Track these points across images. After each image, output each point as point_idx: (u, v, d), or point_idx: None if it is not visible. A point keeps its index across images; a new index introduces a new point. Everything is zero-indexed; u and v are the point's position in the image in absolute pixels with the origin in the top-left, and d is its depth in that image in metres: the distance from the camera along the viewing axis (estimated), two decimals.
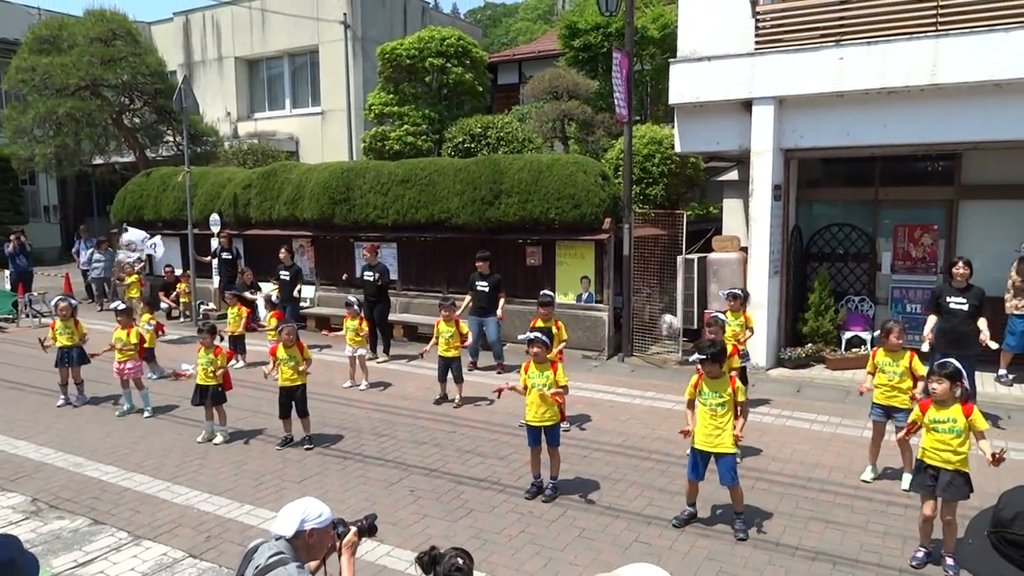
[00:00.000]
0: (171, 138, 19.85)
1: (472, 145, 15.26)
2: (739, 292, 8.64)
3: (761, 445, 7.51)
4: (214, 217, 14.99)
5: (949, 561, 4.93)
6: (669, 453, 7.32)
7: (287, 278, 12.72)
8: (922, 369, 6.28)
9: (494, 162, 12.60)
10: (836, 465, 6.90)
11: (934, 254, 10.88)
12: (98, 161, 20.84)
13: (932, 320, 8.21)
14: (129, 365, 8.95)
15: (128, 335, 8.98)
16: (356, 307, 10.22)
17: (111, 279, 16.71)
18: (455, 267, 13.24)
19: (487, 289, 10.95)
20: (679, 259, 11.42)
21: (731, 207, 12.96)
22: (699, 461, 5.68)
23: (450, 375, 9.27)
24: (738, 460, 5.93)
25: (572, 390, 8.17)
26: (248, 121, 23.53)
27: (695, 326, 11.53)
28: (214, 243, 15.10)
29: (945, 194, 10.88)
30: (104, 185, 25.39)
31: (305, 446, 7.59)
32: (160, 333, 11.22)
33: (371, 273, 11.79)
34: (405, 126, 16.89)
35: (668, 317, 11.96)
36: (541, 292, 9.13)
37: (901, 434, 5.51)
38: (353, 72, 21.02)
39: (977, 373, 8.60)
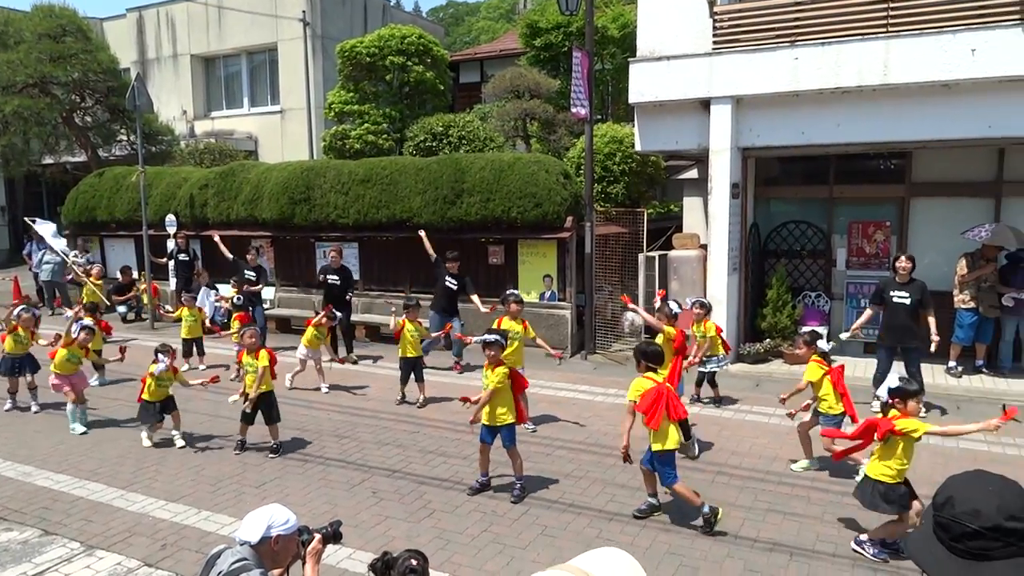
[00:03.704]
0: (124, 137, 19.41)
1: (434, 144, 15.21)
2: (707, 301, 8.84)
3: (720, 439, 7.62)
4: (170, 218, 14.70)
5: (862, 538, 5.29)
6: (632, 449, 7.36)
7: (252, 277, 12.49)
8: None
9: (456, 161, 12.57)
10: (793, 458, 7.02)
11: (887, 250, 11.15)
12: (48, 161, 20.28)
13: (867, 314, 8.57)
14: (55, 381, 8.39)
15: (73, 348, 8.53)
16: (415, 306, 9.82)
17: (62, 282, 16.25)
18: (417, 267, 13.17)
19: (455, 287, 10.91)
20: (640, 257, 11.53)
21: (691, 205, 13.12)
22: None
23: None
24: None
25: (535, 388, 8.26)
26: (205, 120, 23.12)
27: None
28: (170, 244, 14.80)
29: (897, 192, 11.14)
30: (55, 186, 24.68)
31: (269, 453, 7.44)
32: (107, 334, 10.85)
33: (335, 277, 11.69)
34: (366, 125, 16.76)
35: (630, 314, 12.07)
36: (509, 291, 9.09)
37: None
38: (313, 70, 20.78)
39: (928, 366, 8.86)
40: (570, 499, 6.26)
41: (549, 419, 8.43)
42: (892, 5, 9.60)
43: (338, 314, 10.70)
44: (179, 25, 23.00)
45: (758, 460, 7.10)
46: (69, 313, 9.16)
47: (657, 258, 11.56)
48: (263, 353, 7.48)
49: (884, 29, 9.60)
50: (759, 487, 6.46)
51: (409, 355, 9.17)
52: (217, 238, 13.53)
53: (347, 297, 11.79)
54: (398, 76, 17.12)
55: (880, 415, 5.30)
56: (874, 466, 5.21)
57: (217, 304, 12.56)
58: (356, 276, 13.72)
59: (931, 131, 9.60)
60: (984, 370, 9.98)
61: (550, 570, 1.72)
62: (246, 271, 12.30)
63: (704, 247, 11.23)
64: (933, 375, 9.26)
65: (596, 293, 11.72)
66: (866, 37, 9.64)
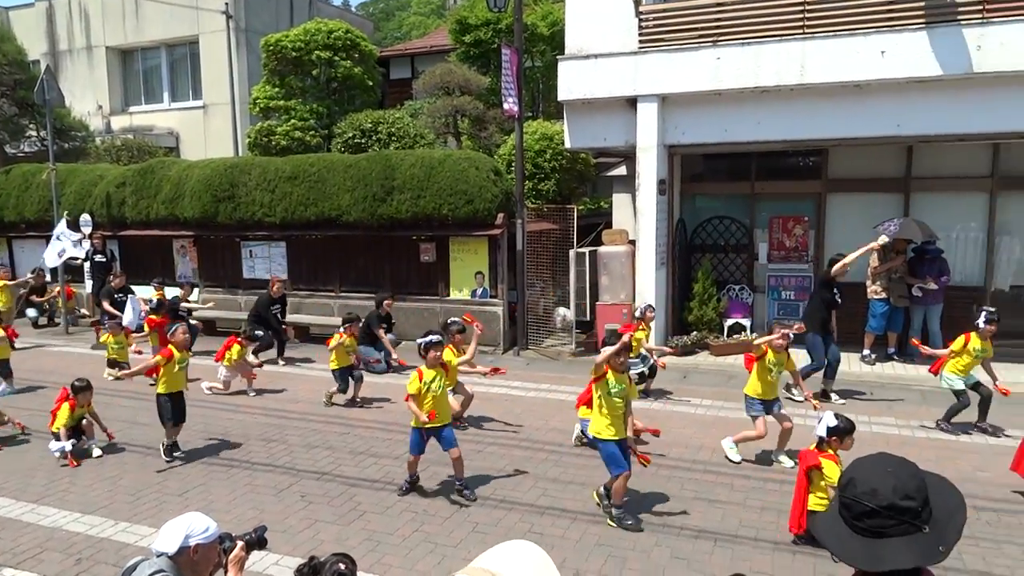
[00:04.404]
0: (34, 133, 18.48)
1: (363, 141, 14.99)
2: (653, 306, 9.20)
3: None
4: (85, 217, 14.04)
5: None
6: (562, 444, 7.46)
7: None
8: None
9: (386, 158, 12.42)
10: (718, 447, 7.20)
11: (805, 244, 11.57)
12: None
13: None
14: None
15: None
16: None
17: None
18: (348, 265, 12.99)
19: (385, 330, 10.84)
20: (571, 253, 11.64)
21: (620, 201, 13.33)
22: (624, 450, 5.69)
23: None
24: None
25: (467, 386, 8.22)
26: (122, 115, 22.17)
27: (588, 318, 11.80)
28: (85, 245, 14.15)
29: (814, 187, 11.58)
30: None
31: (176, 455, 7.20)
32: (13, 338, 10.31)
33: (277, 307, 11.52)
34: (292, 121, 16.39)
35: (561, 310, 12.20)
36: (451, 320, 8.37)
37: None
38: (237, 64, 20.16)
39: (844, 354, 9.25)
40: (502, 495, 6.27)
41: (482, 417, 8.42)
42: (808, 8, 9.97)
43: (259, 333, 10.59)
44: (93, 15, 21.96)
45: (685, 450, 7.27)
46: None
47: (587, 254, 11.70)
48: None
49: (801, 31, 9.95)
50: (686, 476, 6.62)
51: (344, 365, 8.98)
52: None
53: (283, 326, 11.77)
54: (325, 71, 16.80)
55: (815, 447, 5.38)
56: (812, 499, 5.23)
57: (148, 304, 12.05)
58: (284, 276, 13.46)
59: (845, 129, 10.01)
60: (895, 357, 10.48)
61: (459, 573, 1.71)
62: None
63: (633, 243, 11.43)
64: (849, 363, 9.66)
65: (528, 289, 11.79)
66: (784, 38, 9.99)
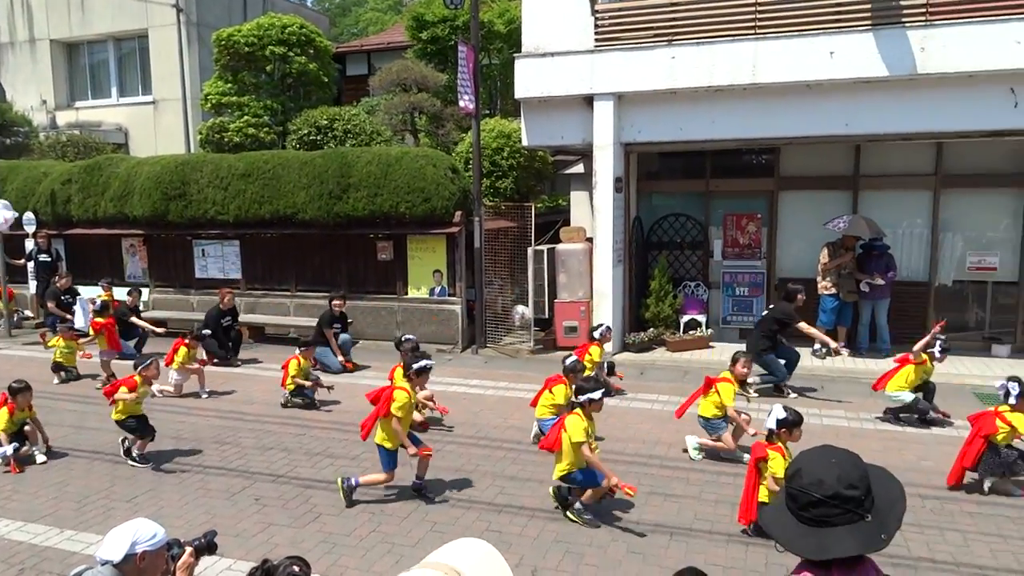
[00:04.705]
0: None
1: (318, 138, 14.80)
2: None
3: (607, 427, 7.80)
4: (28, 215, 13.57)
5: None
6: (520, 441, 7.47)
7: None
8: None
9: (342, 155, 12.28)
10: (674, 442, 7.31)
11: (758, 241, 11.78)
12: None
13: None
14: None
15: None
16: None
17: None
18: (303, 264, 12.82)
19: (339, 329, 10.84)
20: (529, 251, 11.66)
21: (578, 199, 13.39)
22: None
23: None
24: None
25: (426, 385, 8.16)
26: (68, 110, 21.50)
27: (546, 315, 11.84)
28: (29, 244, 13.71)
29: (767, 185, 11.79)
30: None
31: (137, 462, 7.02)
32: None
33: (228, 319, 11.27)
34: (245, 117, 16.09)
35: (520, 308, 12.22)
36: (404, 337, 8.51)
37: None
38: (188, 59, 19.70)
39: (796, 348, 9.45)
40: (460, 494, 6.26)
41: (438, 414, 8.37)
42: (760, 9, 10.14)
43: (206, 332, 10.45)
44: (36, 7, 21.24)
45: (642, 445, 7.35)
46: None
47: (546, 252, 11.73)
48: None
49: (753, 31, 10.12)
50: (642, 471, 6.68)
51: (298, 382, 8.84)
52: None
53: (236, 328, 11.51)
54: (279, 67, 16.53)
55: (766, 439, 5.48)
56: (763, 491, 5.31)
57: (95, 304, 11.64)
58: (238, 275, 13.24)
59: (796, 128, 10.22)
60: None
61: (413, 570, 1.71)
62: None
63: (590, 240, 11.50)
64: (801, 357, 9.83)
65: (486, 287, 11.78)
66: (737, 39, 10.15)
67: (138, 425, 7.04)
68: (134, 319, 11.61)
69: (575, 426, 5.55)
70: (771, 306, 9.57)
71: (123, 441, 7.12)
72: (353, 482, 6.09)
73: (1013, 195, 10.76)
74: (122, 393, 6.91)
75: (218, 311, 11.13)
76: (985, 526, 5.57)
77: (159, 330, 11.66)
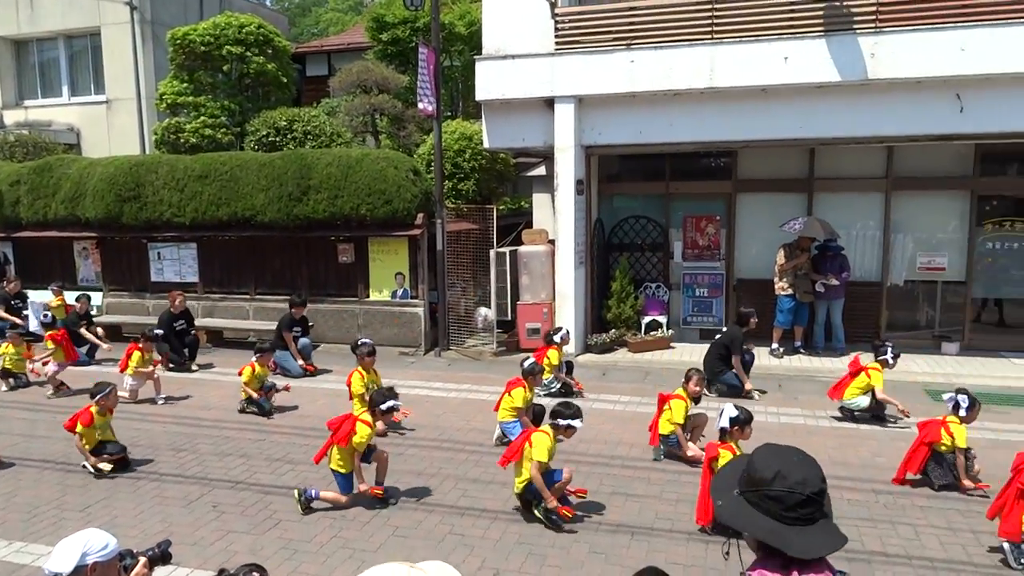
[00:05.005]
0: None
1: (277, 139, 14.61)
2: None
3: None
4: None
5: None
6: (483, 444, 7.47)
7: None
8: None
9: (301, 157, 12.15)
10: (636, 442, 7.38)
11: (717, 242, 11.96)
12: None
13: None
14: None
15: None
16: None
17: None
18: (263, 267, 12.64)
19: (299, 334, 10.72)
20: (492, 253, 11.67)
21: (540, 201, 13.45)
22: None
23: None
24: None
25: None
26: (17, 109, 20.86)
27: (509, 317, 11.86)
28: None
29: (725, 188, 11.98)
30: None
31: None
32: None
33: (181, 322, 11.04)
34: (202, 118, 15.81)
35: (483, 310, 12.21)
36: (361, 341, 8.31)
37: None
38: (143, 58, 19.26)
39: (754, 348, 9.62)
40: (422, 497, 6.23)
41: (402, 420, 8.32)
42: (716, 14, 10.30)
43: (159, 332, 10.13)
44: None
45: (604, 446, 7.40)
46: None
47: (508, 254, 11.75)
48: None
49: (710, 36, 10.28)
50: (604, 471, 6.73)
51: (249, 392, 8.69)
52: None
53: (193, 332, 11.28)
54: (237, 67, 16.28)
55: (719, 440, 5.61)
56: None
57: (46, 316, 11.21)
58: (196, 278, 13.00)
59: (752, 131, 10.40)
60: (802, 350, 10.98)
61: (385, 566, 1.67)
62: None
63: (553, 242, 11.55)
64: (759, 357, 10.01)
65: (449, 290, 11.75)
66: (694, 43, 10.29)
67: (108, 448, 6.88)
68: (83, 331, 11.24)
69: (540, 445, 5.56)
70: (724, 329, 9.66)
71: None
72: (312, 494, 6.02)
73: (960, 197, 11.10)
74: (80, 431, 6.72)
75: (170, 315, 10.90)
76: (935, 519, 5.74)
77: (105, 345, 11.26)
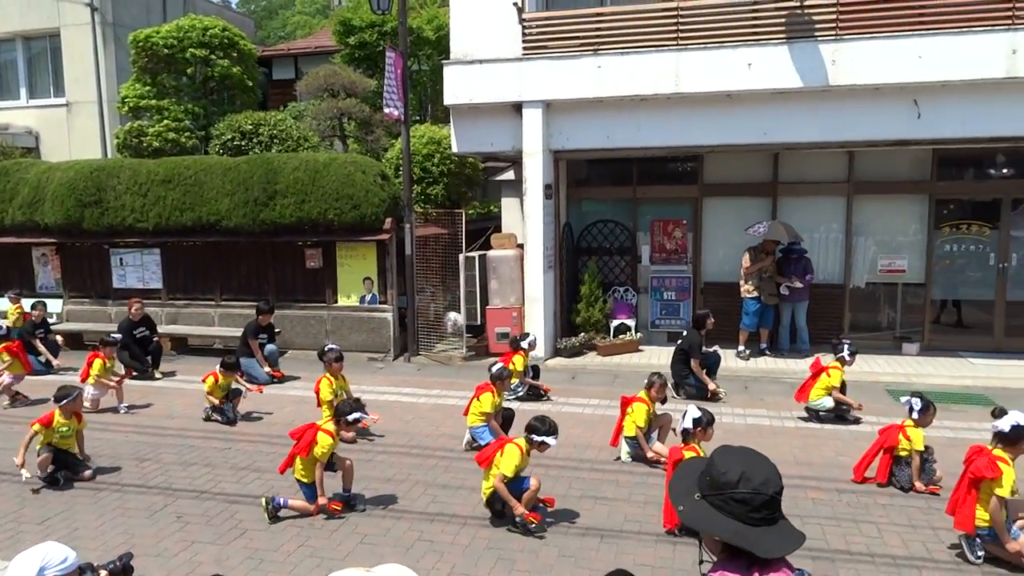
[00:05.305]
0: None
1: (243, 143, 14.43)
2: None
3: None
4: None
5: None
6: (453, 449, 7.45)
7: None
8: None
9: (267, 161, 12.02)
10: (604, 445, 7.40)
11: (684, 246, 12.09)
12: None
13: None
14: None
15: None
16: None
17: None
18: (229, 273, 12.47)
19: (266, 341, 10.53)
20: (461, 257, 11.65)
21: (509, 205, 13.47)
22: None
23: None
24: None
25: (356, 394, 8.07)
26: None
27: (479, 322, 11.84)
28: None
29: (691, 192, 12.12)
30: None
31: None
32: None
33: (142, 329, 10.81)
34: (165, 121, 15.56)
35: (452, 314, 12.18)
36: (328, 347, 8.29)
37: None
38: (104, 60, 18.92)
39: (720, 350, 9.75)
40: (391, 504, 6.19)
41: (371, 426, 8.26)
42: (682, 21, 10.42)
43: (117, 336, 9.92)
44: None
45: (573, 449, 7.42)
46: None
47: (477, 258, 11.74)
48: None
49: (675, 42, 10.40)
50: (574, 475, 6.75)
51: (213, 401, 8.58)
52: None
53: (156, 339, 11.05)
54: (201, 70, 16.06)
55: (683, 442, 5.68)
56: None
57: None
58: (159, 284, 12.79)
59: (717, 136, 10.54)
60: (767, 352, 11.13)
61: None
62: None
63: (521, 246, 11.57)
64: (725, 359, 10.15)
65: (418, 294, 11.71)
66: (660, 49, 10.40)
67: (65, 460, 6.72)
68: (37, 342, 10.93)
69: (509, 459, 5.57)
70: (684, 333, 9.76)
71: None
72: (281, 502, 5.95)
73: (919, 201, 11.36)
74: (36, 429, 6.56)
75: (129, 322, 10.69)
76: (897, 517, 5.85)
77: (56, 361, 10.95)
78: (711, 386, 9.02)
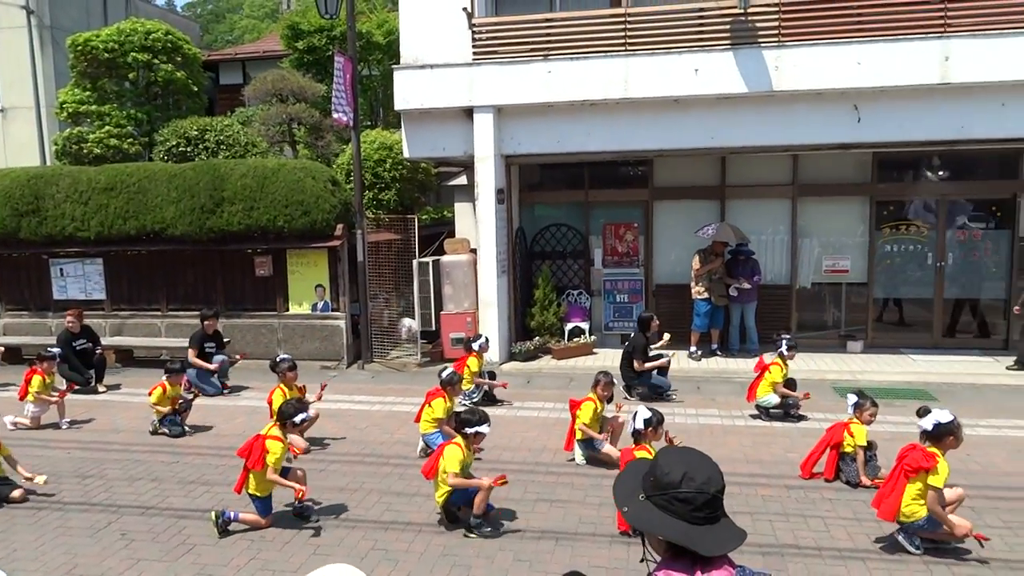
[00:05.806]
0: None
1: (188, 149, 14.12)
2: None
3: (494, 436, 7.80)
4: None
5: None
6: (407, 456, 7.39)
7: None
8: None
9: (214, 167, 11.78)
10: (559, 448, 7.43)
11: (636, 249, 12.23)
12: None
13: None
14: None
15: None
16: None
17: None
18: (175, 282, 12.17)
19: (214, 349, 10.32)
20: (414, 263, 11.59)
21: (462, 210, 13.44)
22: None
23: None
24: None
25: (310, 403, 7.92)
26: None
27: (433, 327, 11.79)
28: None
29: (642, 195, 12.27)
30: None
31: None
32: None
33: (83, 341, 10.48)
34: (107, 127, 15.11)
35: (406, 321, 12.10)
36: (280, 357, 8.13)
37: None
38: (41, 65, 18.31)
39: (673, 352, 9.87)
40: (344, 513, 6.11)
41: (324, 435, 8.15)
42: (630, 27, 10.56)
43: (55, 350, 9.55)
44: None
45: (528, 452, 7.43)
46: None
47: (431, 263, 11.69)
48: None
49: (624, 48, 10.53)
50: (529, 478, 6.76)
51: (167, 414, 8.34)
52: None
53: (99, 351, 10.70)
54: (143, 75, 15.66)
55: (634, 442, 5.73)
56: None
57: None
58: (102, 295, 12.41)
59: (666, 141, 10.71)
60: (718, 352, 11.33)
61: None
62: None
63: (475, 251, 11.56)
64: (677, 360, 10.29)
65: (371, 301, 11.60)
66: (609, 55, 10.52)
67: None
68: None
69: (452, 457, 5.60)
70: (632, 335, 9.87)
71: None
72: (231, 515, 5.82)
73: (861, 203, 11.70)
74: None
75: (68, 334, 10.35)
76: (843, 511, 6.00)
77: None
78: (645, 365, 9.15)
